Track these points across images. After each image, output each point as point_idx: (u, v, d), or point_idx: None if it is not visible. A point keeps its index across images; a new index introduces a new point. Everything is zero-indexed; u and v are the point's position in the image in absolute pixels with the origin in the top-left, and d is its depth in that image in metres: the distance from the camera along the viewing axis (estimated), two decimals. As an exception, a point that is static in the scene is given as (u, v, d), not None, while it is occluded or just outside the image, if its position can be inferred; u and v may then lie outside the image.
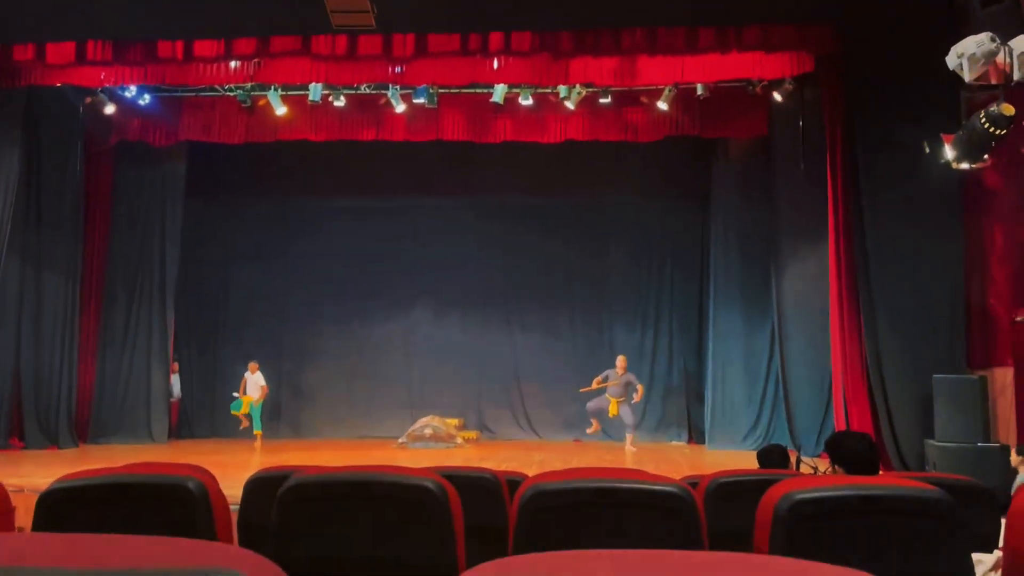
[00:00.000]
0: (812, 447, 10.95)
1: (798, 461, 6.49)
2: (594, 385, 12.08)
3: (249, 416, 12.82)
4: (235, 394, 13.05)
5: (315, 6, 8.23)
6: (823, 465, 6.08)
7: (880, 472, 3.58)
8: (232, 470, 9.31)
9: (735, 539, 2.34)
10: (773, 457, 4.60)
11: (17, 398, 11.71)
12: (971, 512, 3.14)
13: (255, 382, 12.84)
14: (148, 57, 9.95)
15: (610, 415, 12.01)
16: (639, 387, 11.96)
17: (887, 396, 9.00)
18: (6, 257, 10.96)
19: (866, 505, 2.00)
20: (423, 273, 14.20)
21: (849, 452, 3.37)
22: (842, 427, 9.38)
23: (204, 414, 13.95)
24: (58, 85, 10.95)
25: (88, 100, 12.09)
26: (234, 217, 14.35)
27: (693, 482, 3.11)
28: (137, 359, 12.97)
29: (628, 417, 11.89)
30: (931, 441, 8.32)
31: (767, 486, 2.23)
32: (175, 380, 13.57)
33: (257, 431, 12.77)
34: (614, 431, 12.67)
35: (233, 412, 12.96)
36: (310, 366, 14.26)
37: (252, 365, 12.97)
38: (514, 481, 3.52)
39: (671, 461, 10.87)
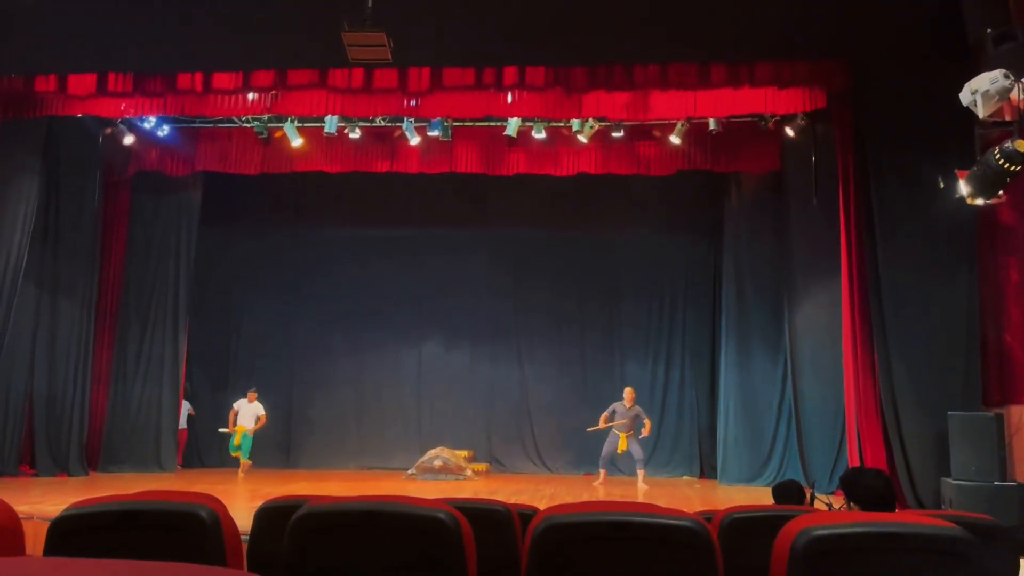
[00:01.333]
0: (825, 484, 10.82)
1: (812, 497, 6.41)
2: (601, 423, 11.95)
3: (240, 448, 12.67)
4: (222, 430, 12.88)
5: (332, 40, 8.33)
6: (837, 502, 5.99)
7: (896, 510, 3.53)
8: (241, 499, 9.28)
9: (751, 575, 2.31)
10: (789, 493, 4.52)
11: (29, 425, 11.73)
12: (990, 552, 3.08)
13: (253, 412, 12.72)
14: (167, 89, 10.10)
15: (619, 451, 11.90)
16: (647, 421, 11.86)
17: (902, 433, 8.89)
18: (22, 284, 11.05)
19: (885, 542, 1.97)
20: (434, 304, 14.23)
21: (865, 489, 3.32)
22: (856, 464, 9.26)
23: (213, 443, 13.92)
24: (78, 116, 11.09)
25: (107, 130, 12.29)
26: (248, 247, 14.46)
27: (707, 516, 3.07)
28: (149, 387, 12.98)
29: (637, 453, 11.73)
30: (947, 479, 8.21)
31: (782, 522, 2.20)
32: (184, 407, 13.55)
33: (246, 460, 12.64)
34: (624, 465, 12.56)
35: (234, 454, 12.72)
36: (320, 396, 14.25)
37: (251, 394, 12.85)
38: (526, 514, 3.49)
39: (683, 496, 10.76)
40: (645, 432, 11.84)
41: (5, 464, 11.23)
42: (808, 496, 5.18)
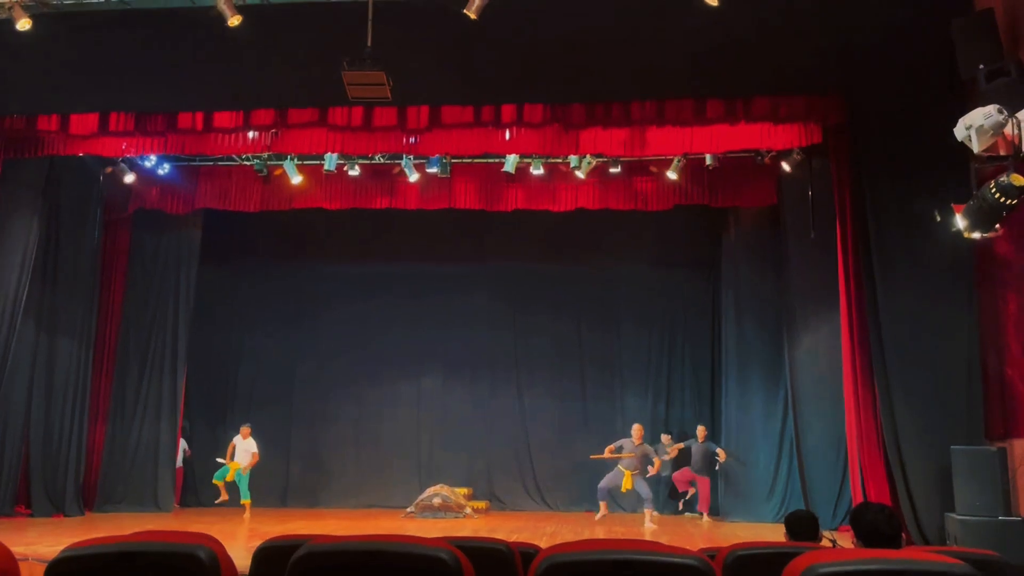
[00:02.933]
0: (828, 519, 10.73)
1: (816, 534, 6.34)
2: (606, 453, 11.83)
3: (232, 484, 12.43)
4: (220, 460, 12.70)
5: (332, 79, 8.43)
6: (841, 536, 5.94)
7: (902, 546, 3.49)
8: (240, 539, 9.19)
9: (756, 614, 2.28)
10: (803, 524, 4.40)
11: (25, 464, 11.64)
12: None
13: (246, 448, 12.50)
14: (168, 128, 10.18)
15: (623, 489, 11.70)
16: (656, 460, 11.72)
17: (905, 468, 8.82)
18: (21, 322, 11.03)
19: (892, 579, 1.95)
20: (433, 341, 14.20)
21: (869, 524, 3.30)
22: (859, 499, 9.19)
23: (211, 481, 13.75)
24: (80, 155, 11.16)
25: (108, 169, 12.37)
26: (247, 284, 14.48)
27: (711, 554, 3.04)
28: (147, 426, 12.89)
29: (644, 491, 11.53)
30: (951, 514, 8.14)
31: (787, 559, 2.18)
32: (180, 446, 13.42)
33: (245, 500, 12.34)
34: (626, 502, 12.43)
35: (216, 482, 12.53)
36: (319, 433, 14.16)
37: (244, 429, 12.63)
38: (527, 553, 3.45)
39: (685, 533, 10.66)
40: (653, 470, 11.70)
41: (1, 504, 11.13)
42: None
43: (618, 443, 11.86)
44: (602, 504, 11.74)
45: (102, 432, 12.75)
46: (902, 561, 2.02)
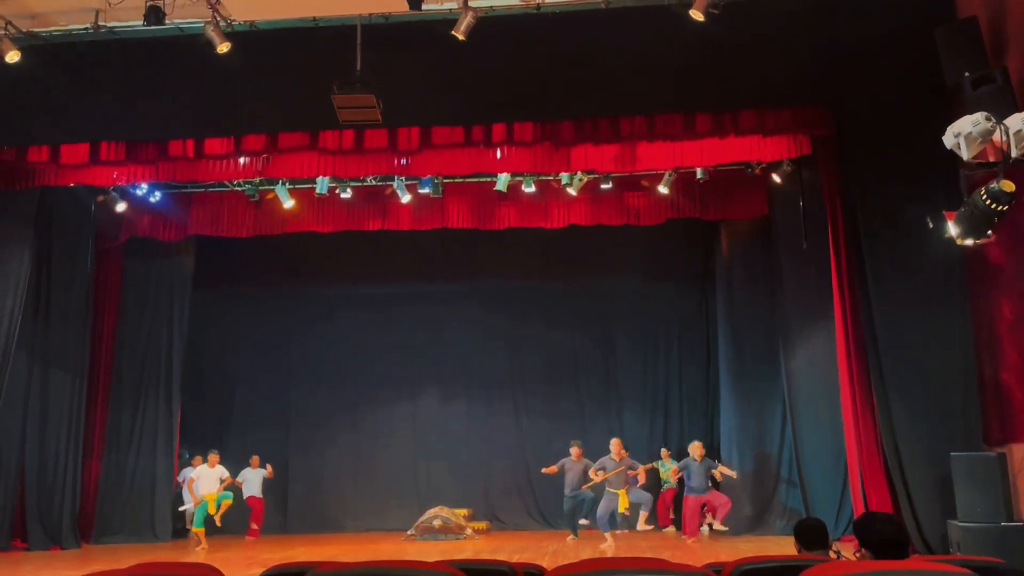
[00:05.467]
0: (830, 530, 10.63)
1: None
2: (599, 478, 11.66)
3: (210, 518, 11.83)
4: (185, 508, 12.21)
5: (323, 103, 8.46)
6: (843, 548, 5.90)
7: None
8: (240, 568, 9.10)
9: (765, 630, 2.26)
10: (813, 533, 4.36)
11: (21, 497, 11.54)
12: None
13: (216, 476, 11.96)
14: (159, 156, 10.17)
15: (620, 510, 11.56)
16: (641, 469, 11.68)
17: (905, 476, 8.80)
18: (14, 354, 10.96)
19: (901, 591, 1.94)
20: (429, 361, 14.19)
21: (877, 535, 3.28)
22: (860, 509, 9.16)
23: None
24: (71, 185, 11.14)
25: (100, 198, 12.35)
26: (241, 310, 14.43)
27: (716, 569, 3.02)
28: (143, 455, 12.78)
29: (643, 498, 11.60)
30: (953, 521, 8.12)
31: (792, 572, 2.17)
32: (258, 474, 12.90)
33: (199, 529, 11.76)
34: (625, 520, 12.33)
35: (196, 530, 11.83)
36: (316, 457, 14.08)
37: (212, 457, 12.11)
38: (531, 573, 3.43)
39: (688, 549, 10.60)
40: (641, 479, 11.65)
41: (-4, 538, 11.03)
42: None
43: (599, 463, 11.57)
44: (608, 534, 11.25)
45: (98, 462, 12.63)
46: (911, 573, 2.02)
